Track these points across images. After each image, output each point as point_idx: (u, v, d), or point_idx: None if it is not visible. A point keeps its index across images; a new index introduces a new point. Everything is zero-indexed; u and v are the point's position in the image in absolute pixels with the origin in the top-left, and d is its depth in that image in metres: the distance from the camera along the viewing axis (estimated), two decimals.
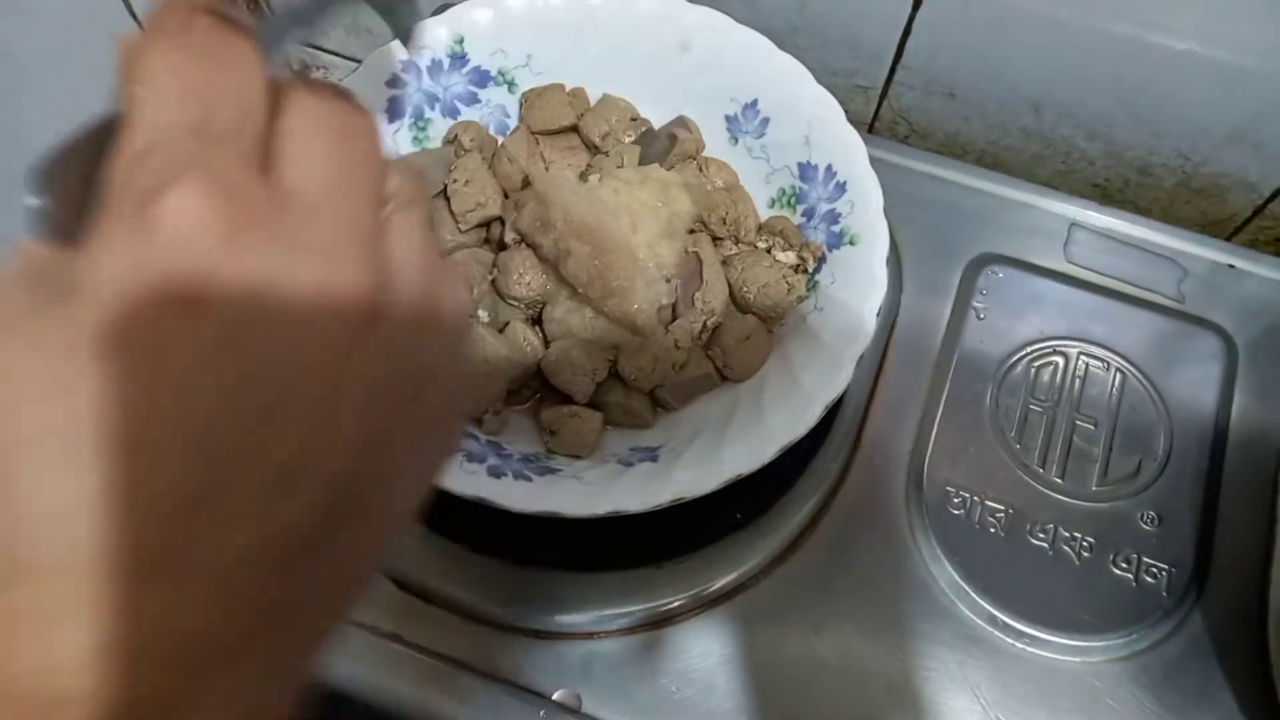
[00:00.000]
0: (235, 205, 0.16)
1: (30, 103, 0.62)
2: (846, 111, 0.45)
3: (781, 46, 0.47)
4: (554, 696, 0.42)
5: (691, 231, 0.45)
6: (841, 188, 0.45)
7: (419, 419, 0.20)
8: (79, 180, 0.17)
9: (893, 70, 0.61)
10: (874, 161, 0.44)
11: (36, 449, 0.15)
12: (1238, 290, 0.53)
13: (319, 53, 0.83)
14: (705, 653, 0.43)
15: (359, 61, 0.81)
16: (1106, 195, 0.63)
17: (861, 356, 0.41)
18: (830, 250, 0.44)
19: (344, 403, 0.18)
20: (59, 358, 0.16)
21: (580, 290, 0.42)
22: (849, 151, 0.44)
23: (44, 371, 0.16)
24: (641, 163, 0.47)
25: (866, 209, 0.43)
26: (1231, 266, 0.54)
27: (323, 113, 0.18)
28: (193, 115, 0.16)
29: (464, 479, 0.37)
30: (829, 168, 0.45)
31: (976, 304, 0.51)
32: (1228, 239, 0.63)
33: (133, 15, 0.66)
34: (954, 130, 0.64)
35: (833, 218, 0.45)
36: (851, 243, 0.44)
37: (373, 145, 0.19)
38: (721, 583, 0.45)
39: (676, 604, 0.44)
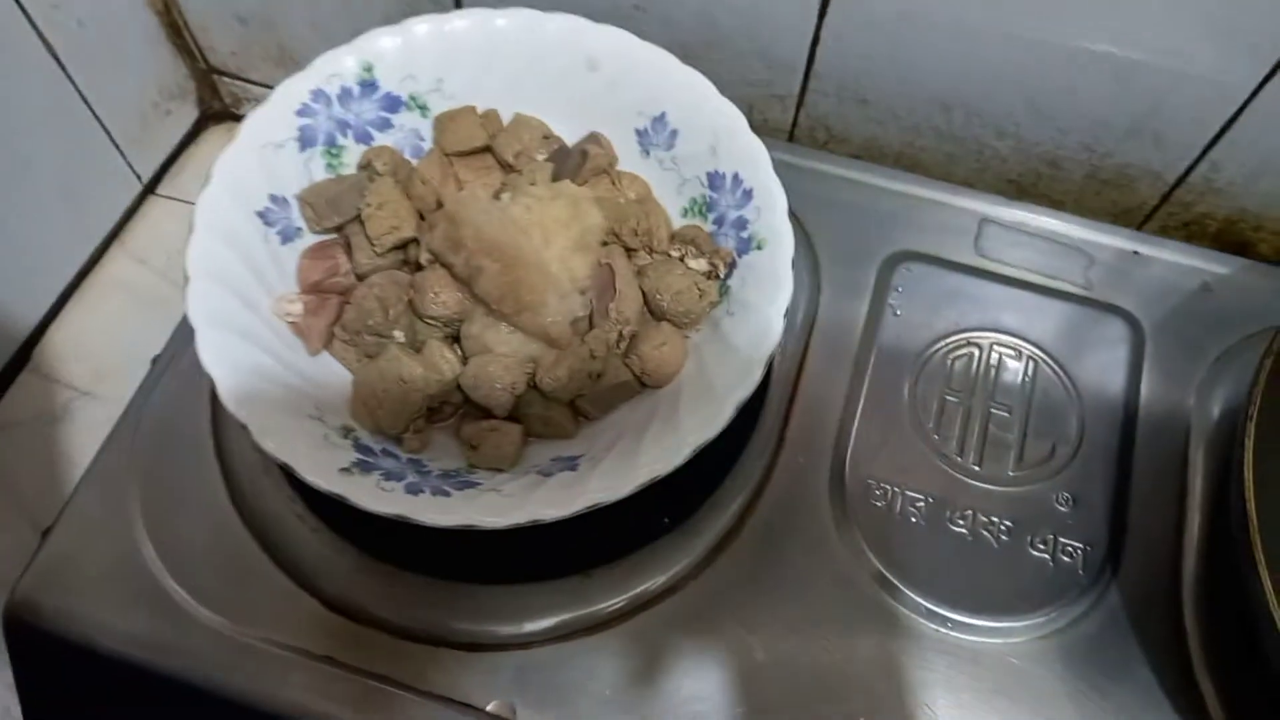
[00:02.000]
0: None
1: None
2: (766, 120, 0.46)
3: (697, 60, 0.49)
4: (488, 708, 0.42)
5: (605, 244, 0.46)
6: (749, 195, 0.46)
7: None
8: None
9: (806, 78, 0.62)
10: (793, 168, 0.45)
11: None
12: (1143, 275, 0.55)
13: (248, 85, 0.83)
14: (638, 656, 0.44)
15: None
16: (1021, 190, 0.65)
17: (773, 357, 0.42)
18: (740, 255, 0.46)
19: None
20: None
21: (494, 306, 0.43)
22: (755, 159, 0.46)
23: None
24: (555, 179, 0.48)
25: (772, 214, 0.44)
26: (1136, 253, 0.55)
27: None
28: None
29: (380, 496, 0.38)
30: (736, 175, 0.46)
31: (892, 301, 0.53)
32: (1138, 228, 0.65)
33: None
34: (870, 135, 0.65)
35: (741, 224, 0.46)
36: (759, 247, 0.45)
37: None
38: (651, 585, 0.45)
39: (608, 609, 0.45)
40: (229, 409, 0.38)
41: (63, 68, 0.69)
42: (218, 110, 0.87)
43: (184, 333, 0.51)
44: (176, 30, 0.78)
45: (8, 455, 0.71)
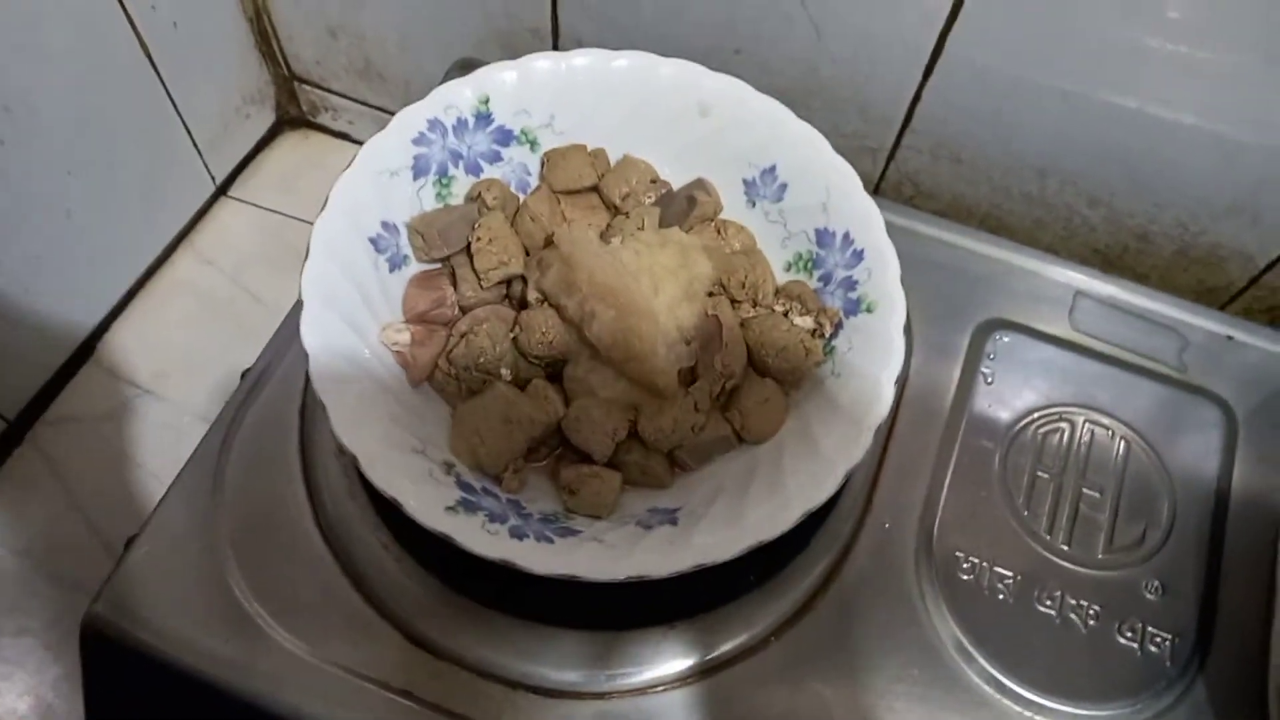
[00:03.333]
0: None
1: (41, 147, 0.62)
2: None
3: (793, 108, 0.48)
4: None
5: (710, 294, 0.46)
6: (859, 255, 0.45)
7: None
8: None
9: (901, 134, 0.62)
10: None
11: None
12: (1236, 361, 0.54)
13: (327, 94, 0.84)
14: (716, 713, 0.43)
15: (365, 104, 0.82)
16: (1106, 261, 0.65)
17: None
18: (847, 316, 0.45)
19: None
20: None
21: (604, 353, 0.42)
22: (867, 220, 0.45)
23: None
24: (661, 224, 0.48)
25: (884, 277, 0.44)
26: (1230, 338, 0.55)
27: None
28: None
29: (489, 541, 0.37)
30: (846, 235, 0.46)
31: (985, 369, 0.52)
32: (1222, 307, 0.64)
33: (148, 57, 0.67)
34: (959, 193, 0.65)
35: (850, 284, 0.45)
36: (869, 310, 0.44)
37: None
38: (733, 644, 0.45)
39: (688, 665, 0.44)
40: (339, 438, 0.38)
41: (154, 67, 0.69)
42: (293, 116, 0.87)
43: (274, 348, 0.51)
44: (265, 37, 0.78)
45: (66, 449, 0.71)
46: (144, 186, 0.73)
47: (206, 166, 0.79)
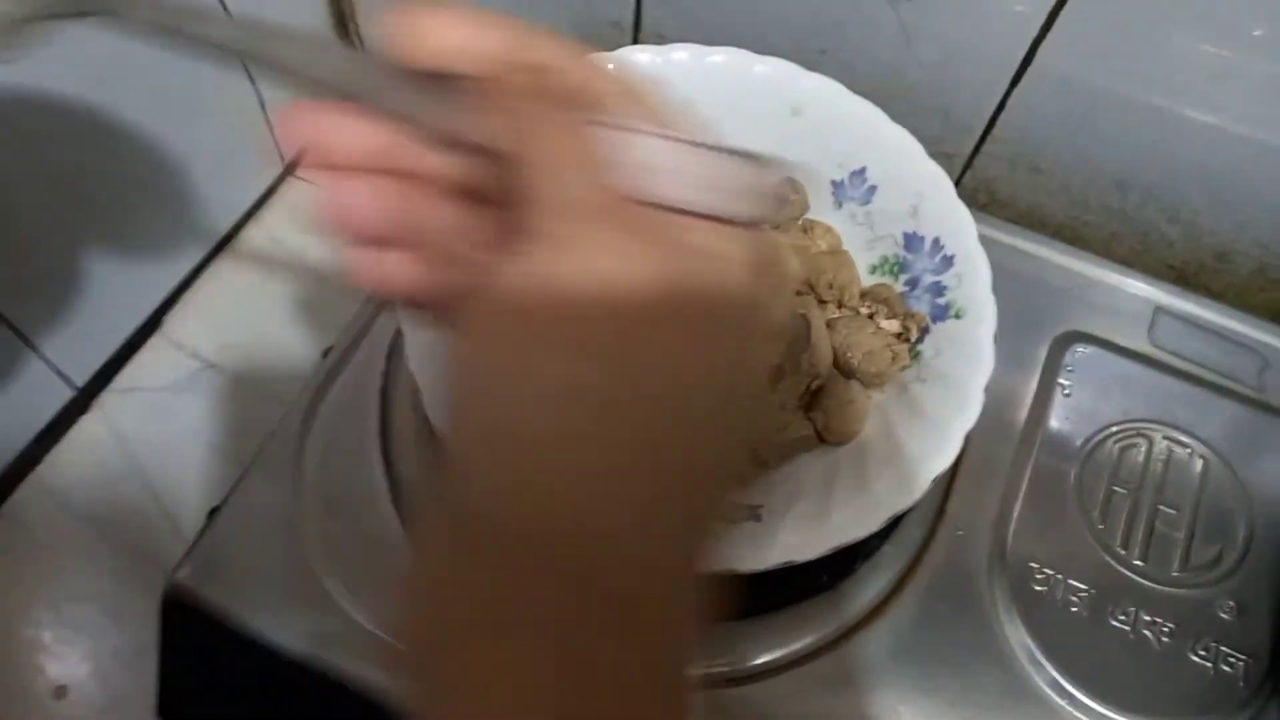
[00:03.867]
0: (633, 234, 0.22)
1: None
2: None
3: None
4: None
5: (799, 294, 0.46)
6: (949, 261, 0.45)
7: None
8: None
9: (981, 141, 0.62)
10: None
11: None
12: None
13: None
14: (783, 714, 0.44)
15: None
16: (1181, 277, 0.64)
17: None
18: (935, 322, 0.45)
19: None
20: None
21: None
22: (959, 226, 0.45)
23: None
24: None
25: (975, 284, 0.44)
26: None
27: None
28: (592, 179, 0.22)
29: None
30: (936, 240, 0.46)
31: (1063, 380, 0.52)
32: None
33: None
34: (1036, 203, 0.64)
35: (938, 289, 0.45)
36: (958, 316, 0.44)
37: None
38: (803, 643, 0.45)
39: (757, 662, 0.44)
40: (434, 420, 0.38)
41: None
42: None
43: (354, 329, 0.51)
44: (342, 18, 0.79)
45: (132, 418, 0.72)
46: (218, 162, 0.74)
47: (278, 145, 0.79)
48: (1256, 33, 0.50)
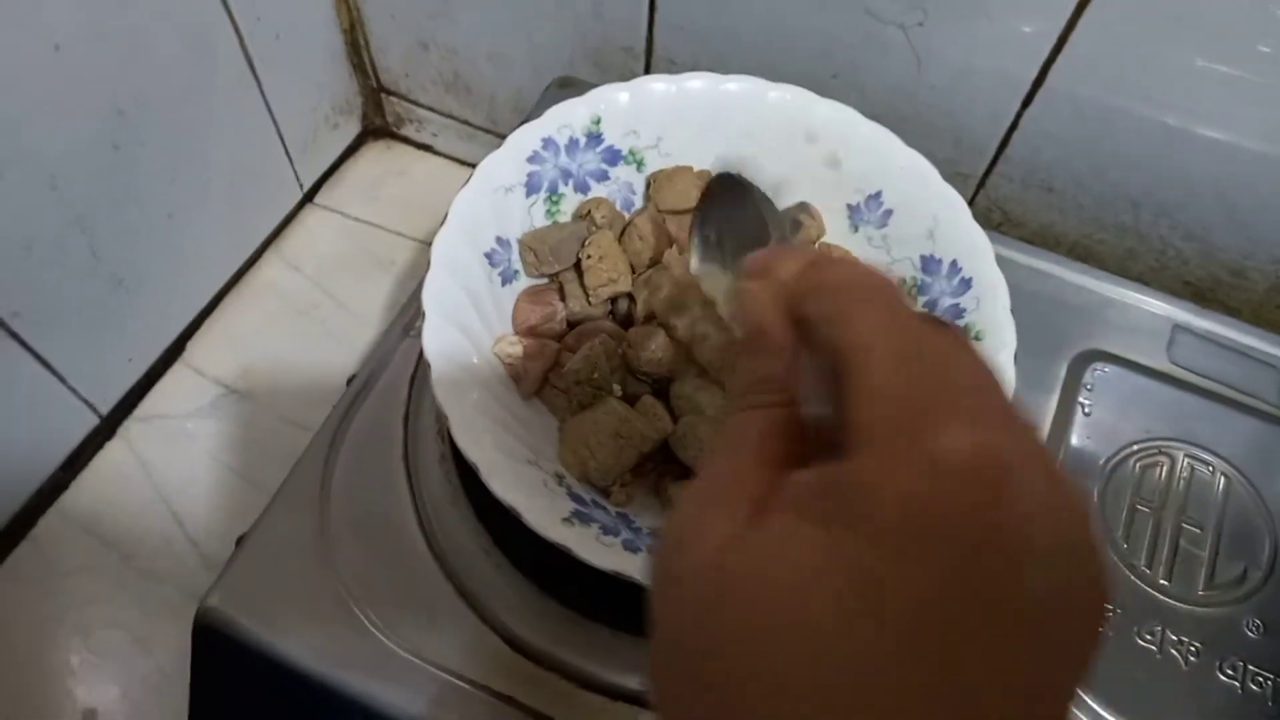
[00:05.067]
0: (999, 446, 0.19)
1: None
2: None
3: None
4: None
5: None
6: (966, 283, 0.46)
7: None
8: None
9: (994, 162, 0.62)
10: None
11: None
12: None
13: (413, 106, 0.85)
14: None
15: (450, 117, 0.83)
16: (1197, 294, 0.64)
17: None
18: None
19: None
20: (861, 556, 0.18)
21: (713, 374, 0.43)
22: (976, 248, 0.46)
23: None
24: None
25: (994, 306, 0.44)
26: None
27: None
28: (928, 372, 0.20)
29: (604, 553, 0.38)
30: (954, 263, 0.46)
31: (1083, 400, 0.52)
32: None
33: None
34: (1049, 222, 0.65)
35: (957, 312, 0.46)
36: (977, 338, 0.44)
37: None
38: None
39: None
40: (461, 448, 0.39)
41: (255, 76, 0.71)
42: (378, 127, 0.89)
43: (377, 357, 0.52)
44: (357, 49, 0.80)
45: (155, 446, 0.72)
46: (238, 192, 0.75)
47: (296, 173, 0.81)
48: (1264, 49, 0.50)
